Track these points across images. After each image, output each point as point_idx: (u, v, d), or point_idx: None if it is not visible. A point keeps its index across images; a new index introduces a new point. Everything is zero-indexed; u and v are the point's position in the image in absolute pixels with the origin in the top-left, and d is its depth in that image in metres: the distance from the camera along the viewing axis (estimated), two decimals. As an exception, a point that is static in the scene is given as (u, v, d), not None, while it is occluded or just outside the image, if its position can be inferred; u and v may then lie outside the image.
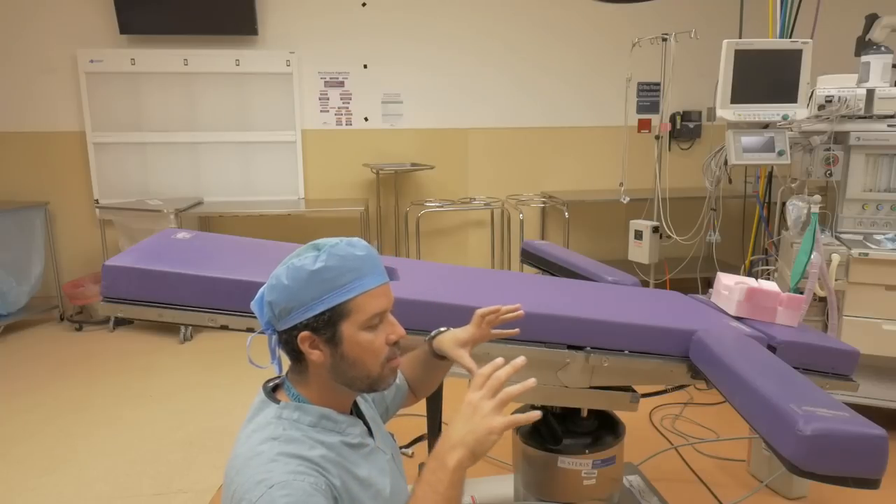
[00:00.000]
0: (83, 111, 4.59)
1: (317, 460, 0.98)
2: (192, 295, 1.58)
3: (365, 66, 4.86)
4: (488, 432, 0.91)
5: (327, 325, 1.01)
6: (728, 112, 2.73)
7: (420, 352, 1.37)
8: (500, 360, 0.97)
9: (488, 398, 0.93)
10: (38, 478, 2.57)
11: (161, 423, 3.03)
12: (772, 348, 1.68)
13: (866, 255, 2.61)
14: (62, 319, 4.65)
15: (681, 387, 2.05)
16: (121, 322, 4.43)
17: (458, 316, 1.62)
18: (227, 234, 2.38)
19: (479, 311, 1.29)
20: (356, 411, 1.16)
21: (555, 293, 1.97)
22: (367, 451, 1.10)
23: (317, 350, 1.03)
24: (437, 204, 4.73)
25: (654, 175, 4.01)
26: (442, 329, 1.34)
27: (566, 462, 1.81)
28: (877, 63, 2.76)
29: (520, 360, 0.95)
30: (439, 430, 1.63)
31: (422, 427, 1.68)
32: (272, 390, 1.11)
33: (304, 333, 1.02)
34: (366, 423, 1.15)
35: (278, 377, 1.13)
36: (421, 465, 1.56)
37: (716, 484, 2.46)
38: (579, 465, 1.85)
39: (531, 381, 0.93)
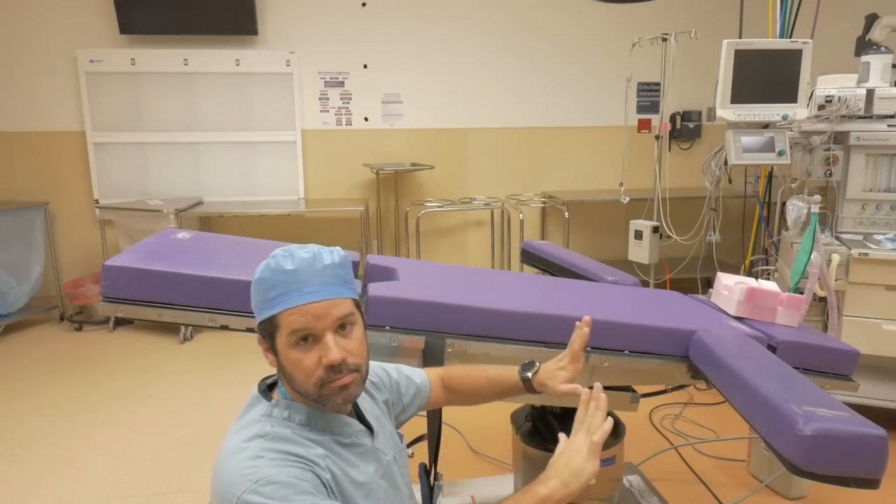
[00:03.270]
0: (83, 111, 4.59)
1: (304, 455, 0.98)
2: (192, 295, 1.58)
3: (365, 66, 4.86)
4: (581, 472, 1.04)
5: (267, 334, 1.03)
6: (728, 112, 2.73)
7: (503, 382, 1.35)
8: (584, 396, 1.14)
9: (587, 442, 1.07)
10: (38, 478, 2.57)
11: (161, 423, 3.03)
12: (772, 348, 1.68)
13: (866, 255, 2.61)
14: (62, 319, 4.65)
15: (681, 387, 2.05)
16: (121, 322, 4.43)
17: (459, 316, 1.62)
18: (227, 234, 2.38)
19: (575, 349, 1.30)
20: (356, 410, 1.15)
21: (555, 293, 1.97)
22: (361, 451, 1.09)
23: (269, 355, 1.05)
24: (437, 204, 4.73)
25: (654, 175, 4.01)
26: (534, 363, 1.33)
27: (566, 462, 1.80)
28: (877, 63, 2.76)
29: (603, 399, 1.13)
30: (439, 430, 1.63)
31: (422, 427, 1.68)
32: (268, 388, 1.11)
33: (259, 336, 1.05)
34: (366, 423, 1.14)
35: (275, 375, 1.12)
36: (421, 465, 1.56)
37: (716, 484, 2.45)
38: (579, 465, 1.85)
39: (609, 424, 1.10)
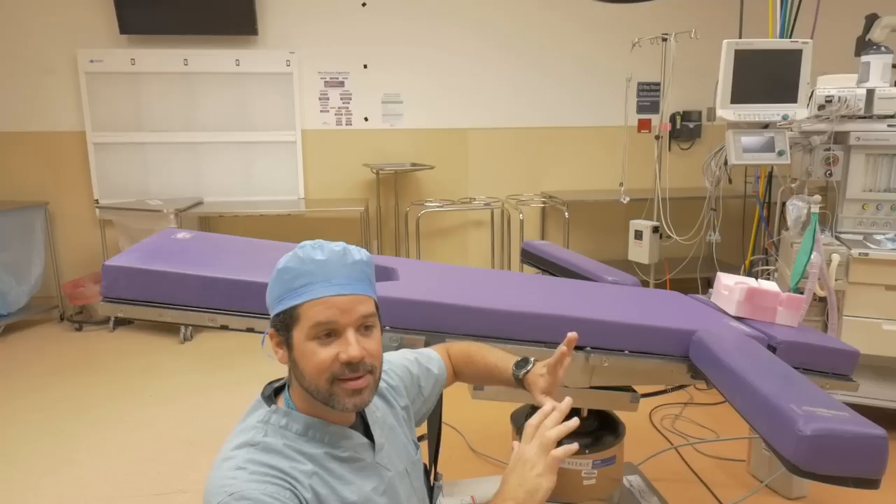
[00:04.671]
0: (83, 111, 4.59)
1: (288, 471, 0.96)
2: (192, 295, 1.59)
3: (365, 67, 4.86)
4: (536, 490, 0.97)
5: (283, 327, 1.00)
6: (728, 112, 2.73)
7: (500, 373, 1.35)
8: (547, 406, 1.04)
9: (542, 456, 0.99)
10: (39, 478, 2.57)
11: (161, 423, 3.03)
12: (772, 348, 1.68)
13: (866, 255, 2.61)
14: (62, 319, 4.65)
15: (681, 387, 2.06)
16: (121, 322, 4.43)
17: (459, 316, 1.62)
18: (227, 234, 2.38)
19: (552, 363, 1.26)
20: (362, 420, 1.12)
21: (555, 293, 1.97)
22: (359, 466, 1.06)
23: (280, 350, 1.03)
24: (437, 204, 4.73)
25: (654, 175, 4.01)
26: (529, 361, 1.32)
27: (566, 462, 1.81)
28: (877, 63, 2.75)
29: (573, 423, 1.02)
30: (439, 430, 1.63)
31: (422, 427, 1.68)
32: (275, 392, 1.09)
33: (271, 331, 1.03)
34: (370, 435, 1.10)
35: (283, 379, 1.10)
36: (422, 465, 1.56)
37: (716, 484, 2.46)
38: (579, 465, 1.85)
39: (574, 446, 1.00)
